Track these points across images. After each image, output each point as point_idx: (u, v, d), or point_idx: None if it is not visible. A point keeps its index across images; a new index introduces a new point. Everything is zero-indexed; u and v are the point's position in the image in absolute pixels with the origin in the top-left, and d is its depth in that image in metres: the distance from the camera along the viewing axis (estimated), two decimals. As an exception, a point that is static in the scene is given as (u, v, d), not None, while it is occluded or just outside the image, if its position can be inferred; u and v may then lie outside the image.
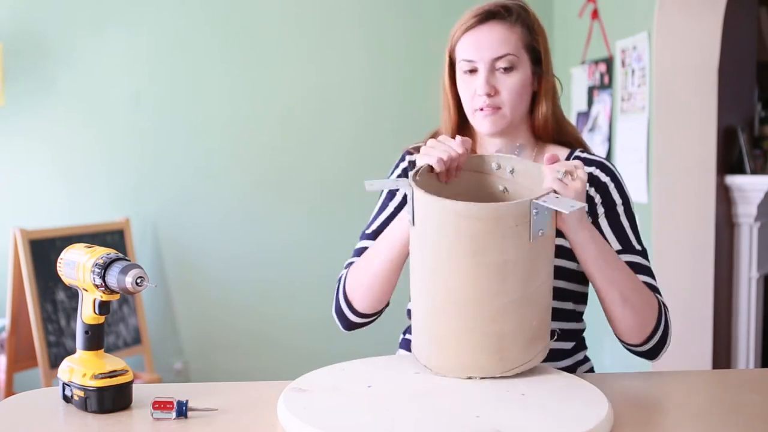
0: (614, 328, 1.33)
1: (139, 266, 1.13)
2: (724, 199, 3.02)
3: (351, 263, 1.49)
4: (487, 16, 1.39)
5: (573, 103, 3.57)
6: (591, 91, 3.35)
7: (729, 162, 3.05)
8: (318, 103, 3.76)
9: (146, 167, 3.67)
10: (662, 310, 1.34)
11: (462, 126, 1.48)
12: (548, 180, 1.19)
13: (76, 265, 1.17)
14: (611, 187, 1.43)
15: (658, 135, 2.83)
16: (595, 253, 1.25)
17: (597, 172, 1.43)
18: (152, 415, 1.12)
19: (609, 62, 3.17)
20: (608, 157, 3.18)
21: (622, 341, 1.34)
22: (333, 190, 3.75)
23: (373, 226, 1.50)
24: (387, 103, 3.79)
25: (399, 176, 1.50)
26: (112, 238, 3.48)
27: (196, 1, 3.67)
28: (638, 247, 1.39)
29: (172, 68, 3.67)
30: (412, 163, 1.38)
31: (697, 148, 2.85)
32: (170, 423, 1.10)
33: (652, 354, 1.33)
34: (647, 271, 1.38)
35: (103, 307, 1.18)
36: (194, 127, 3.70)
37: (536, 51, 1.41)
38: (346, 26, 3.78)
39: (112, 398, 1.14)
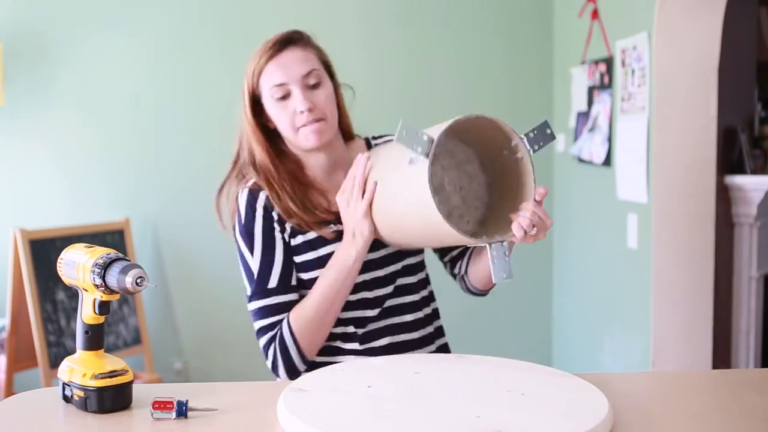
0: (471, 277, 1.59)
1: (139, 266, 1.13)
2: (724, 199, 3.02)
3: (272, 324, 1.51)
4: (285, 43, 1.51)
5: (573, 103, 3.57)
6: (591, 91, 3.35)
7: (729, 162, 3.05)
8: (318, 103, 3.76)
9: (146, 167, 3.67)
10: None
11: (278, 156, 1.56)
12: (517, 227, 1.31)
13: (76, 265, 1.17)
14: None
15: (658, 135, 2.83)
16: None
17: None
18: (152, 415, 1.12)
19: (609, 62, 3.17)
20: (608, 157, 3.18)
21: (470, 289, 1.62)
22: (333, 190, 3.75)
23: (274, 280, 1.50)
24: (386, 103, 3.79)
25: (264, 217, 1.53)
26: (112, 238, 3.48)
27: (196, 1, 3.67)
28: None
29: (172, 68, 3.67)
30: (269, 199, 1.52)
31: (697, 148, 2.85)
32: (170, 423, 1.10)
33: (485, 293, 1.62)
34: None
35: (103, 307, 1.18)
36: (194, 127, 3.70)
37: (329, 67, 1.56)
38: (345, 26, 3.78)
39: (112, 398, 1.15)
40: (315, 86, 1.50)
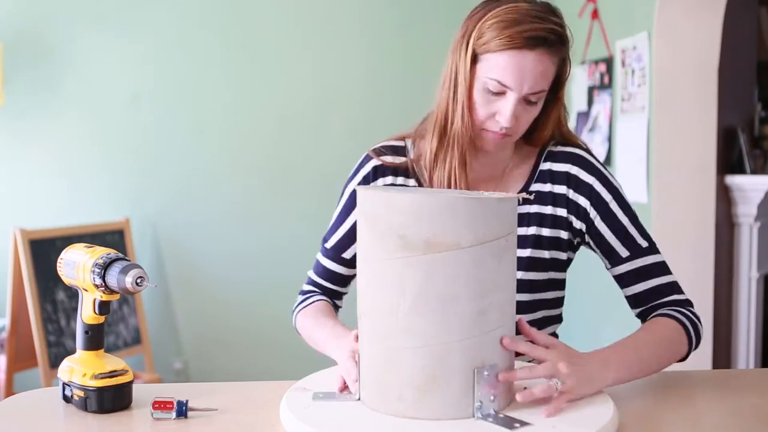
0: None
1: (139, 266, 1.13)
2: (724, 199, 3.02)
3: (307, 292, 1.47)
4: (537, 43, 1.22)
5: (573, 103, 3.57)
6: (591, 91, 3.35)
7: (729, 162, 3.05)
8: (317, 103, 3.76)
9: (146, 167, 3.67)
10: (689, 331, 1.27)
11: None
12: (540, 390, 1.07)
13: (76, 265, 1.17)
14: (597, 185, 1.34)
15: (658, 135, 2.83)
16: (630, 376, 1.19)
17: (576, 170, 1.34)
18: (152, 415, 1.12)
19: (609, 62, 3.17)
20: (608, 157, 3.18)
21: None
22: (332, 189, 3.74)
23: (332, 241, 1.45)
24: (386, 103, 3.80)
25: (360, 183, 1.42)
26: (112, 238, 3.48)
27: (196, 2, 3.67)
28: (645, 244, 1.33)
29: (172, 68, 3.67)
30: (376, 170, 1.37)
31: (697, 148, 2.85)
32: (170, 423, 1.10)
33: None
34: (663, 268, 1.34)
35: (103, 307, 1.18)
36: (194, 127, 3.70)
37: (559, 79, 1.30)
38: (345, 26, 3.78)
39: (112, 398, 1.15)
40: (532, 103, 1.26)
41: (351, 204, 1.43)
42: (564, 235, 1.35)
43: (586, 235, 1.35)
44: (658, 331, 1.26)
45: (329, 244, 1.46)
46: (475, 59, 1.26)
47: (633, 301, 1.35)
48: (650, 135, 2.85)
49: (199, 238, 3.72)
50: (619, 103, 3.09)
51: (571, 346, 1.15)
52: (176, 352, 3.76)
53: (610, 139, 3.18)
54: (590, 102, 3.36)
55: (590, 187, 1.34)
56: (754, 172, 3.03)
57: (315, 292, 1.48)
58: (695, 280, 2.88)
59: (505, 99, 1.24)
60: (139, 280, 1.12)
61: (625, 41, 3.02)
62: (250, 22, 3.69)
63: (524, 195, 1.13)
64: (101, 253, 1.16)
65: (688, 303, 1.33)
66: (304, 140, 3.76)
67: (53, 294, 3.21)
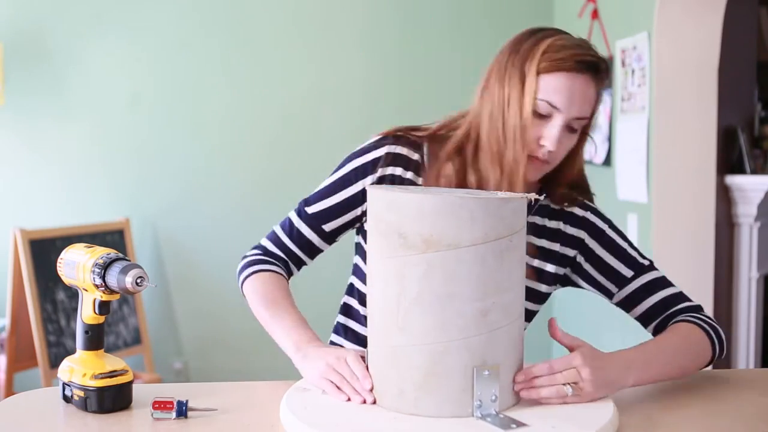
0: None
1: (139, 266, 1.13)
2: (724, 199, 3.02)
3: (263, 257, 1.37)
4: (589, 67, 1.24)
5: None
6: (591, 91, 3.35)
7: (729, 162, 3.05)
8: (317, 103, 3.76)
9: (146, 167, 3.67)
10: (711, 335, 1.28)
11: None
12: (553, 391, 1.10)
13: (76, 265, 1.17)
14: (591, 217, 1.38)
15: (658, 135, 2.83)
16: (650, 378, 1.23)
17: (584, 213, 1.39)
18: (152, 415, 1.12)
19: (609, 62, 3.17)
20: (608, 157, 3.18)
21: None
22: (333, 190, 3.75)
23: (317, 208, 1.38)
24: (386, 103, 3.79)
25: (369, 163, 1.37)
26: (112, 238, 3.48)
27: (195, 2, 3.67)
28: (646, 262, 1.37)
29: (172, 68, 3.67)
30: (389, 156, 1.32)
31: (697, 148, 2.85)
32: (170, 423, 1.10)
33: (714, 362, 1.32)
34: (667, 281, 1.36)
35: (103, 307, 1.18)
36: (194, 127, 3.70)
37: (594, 112, 1.32)
38: (345, 27, 3.78)
39: (112, 398, 1.15)
40: (573, 130, 1.27)
41: (351, 178, 1.38)
42: (550, 268, 1.35)
43: (582, 265, 1.36)
44: (681, 335, 1.28)
45: (312, 209, 1.38)
46: (524, 82, 1.24)
47: (646, 317, 1.36)
48: (650, 135, 2.85)
49: (199, 238, 3.71)
50: (619, 103, 3.09)
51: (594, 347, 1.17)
52: (176, 352, 3.76)
53: (610, 139, 3.18)
54: (590, 102, 3.36)
55: (584, 219, 1.37)
56: (754, 172, 3.03)
57: (269, 261, 1.37)
58: (695, 280, 2.88)
59: (551, 122, 1.23)
60: (139, 280, 1.12)
61: (625, 41, 3.02)
62: (250, 22, 3.69)
63: (533, 195, 1.12)
64: (101, 253, 1.16)
65: (700, 309, 1.35)
66: (304, 140, 3.76)
67: (53, 294, 3.21)
